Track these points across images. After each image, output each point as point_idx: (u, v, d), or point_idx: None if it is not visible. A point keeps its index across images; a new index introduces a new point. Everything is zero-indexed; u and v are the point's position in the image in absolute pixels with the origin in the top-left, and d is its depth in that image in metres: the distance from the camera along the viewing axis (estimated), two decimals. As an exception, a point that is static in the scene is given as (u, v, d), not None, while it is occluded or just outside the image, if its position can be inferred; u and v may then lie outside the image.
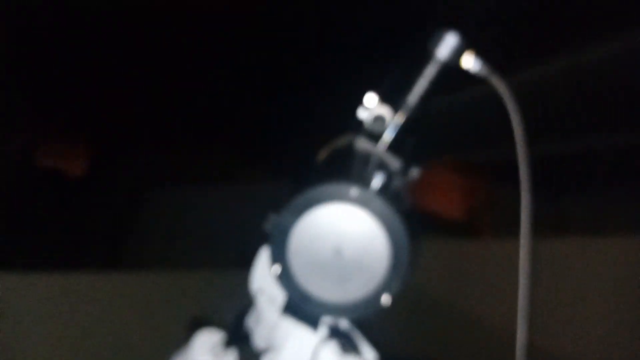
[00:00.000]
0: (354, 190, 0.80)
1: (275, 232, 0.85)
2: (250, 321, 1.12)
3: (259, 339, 1.08)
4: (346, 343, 0.96)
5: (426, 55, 1.08)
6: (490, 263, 4.63)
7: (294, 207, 0.83)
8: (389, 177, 0.85)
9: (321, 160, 1.17)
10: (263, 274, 1.07)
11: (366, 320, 0.91)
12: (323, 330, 0.97)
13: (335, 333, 0.96)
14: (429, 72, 1.09)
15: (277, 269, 0.86)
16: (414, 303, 4.59)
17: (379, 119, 1.04)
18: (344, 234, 0.83)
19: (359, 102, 1.16)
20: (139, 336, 3.52)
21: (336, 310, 0.86)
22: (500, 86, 1.07)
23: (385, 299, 0.83)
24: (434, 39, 1.06)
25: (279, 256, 0.86)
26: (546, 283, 2.94)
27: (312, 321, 0.94)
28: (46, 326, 3.11)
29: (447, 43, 1.06)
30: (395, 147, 1.12)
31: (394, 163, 1.12)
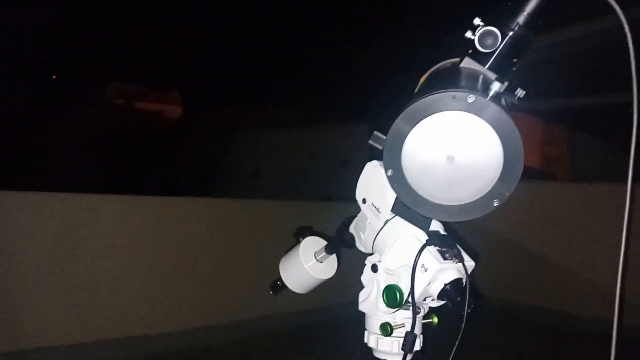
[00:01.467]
0: (471, 97, 0.82)
1: (391, 137, 0.90)
2: (354, 229, 1.21)
3: (363, 244, 1.17)
4: (447, 249, 1.02)
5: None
6: (571, 207, 4.49)
7: (410, 114, 0.87)
8: (504, 86, 0.85)
9: (424, 80, 1.20)
10: (367, 186, 1.15)
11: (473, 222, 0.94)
12: (425, 235, 1.04)
13: (436, 239, 1.02)
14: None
15: (390, 173, 0.91)
16: (493, 245, 4.59)
17: (489, 37, 1.05)
18: (458, 140, 0.85)
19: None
20: (235, 252, 3.80)
21: (447, 213, 0.91)
22: (617, 9, 1.03)
23: (496, 205, 0.86)
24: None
25: (393, 161, 0.90)
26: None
27: (420, 222, 1.00)
28: (150, 241, 3.43)
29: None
30: (501, 68, 1.13)
31: (500, 80, 1.13)
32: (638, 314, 2.98)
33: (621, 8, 1.04)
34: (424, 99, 0.85)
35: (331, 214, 3.97)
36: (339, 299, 3.31)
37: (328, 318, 4.05)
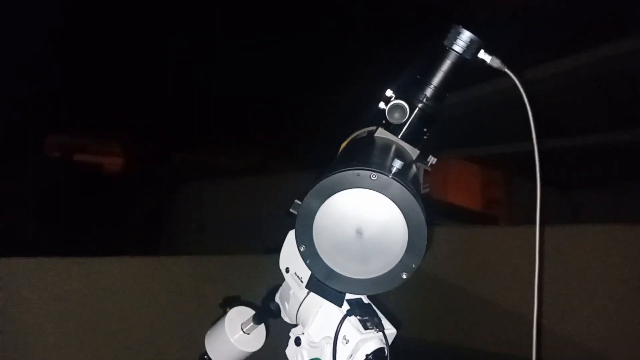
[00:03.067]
0: (374, 176, 0.86)
1: (301, 215, 0.91)
2: (279, 298, 1.20)
3: (287, 315, 1.16)
4: (368, 319, 1.03)
5: (443, 50, 1.14)
6: (504, 250, 4.64)
7: (318, 191, 0.89)
8: (407, 165, 0.90)
9: (342, 150, 1.24)
10: (290, 255, 1.15)
11: (385, 297, 0.96)
12: (346, 306, 1.04)
13: (357, 309, 1.03)
14: (445, 66, 1.15)
15: (303, 249, 0.92)
16: (430, 285, 4.64)
17: (397, 111, 1.11)
18: (365, 216, 0.88)
19: (377, 96, 1.23)
20: (174, 314, 3.65)
21: (358, 287, 0.92)
22: (515, 79, 1.13)
23: (404, 277, 0.89)
24: (451, 34, 1.12)
25: (305, 237, 0.92)
26: (558, 269, 3.00)
27: (336, 297, 1.01)
28: (90, 304, 3.26)
29: (463, 37, 1.11)
30: (412, 137, 1.19)
31: (412, 152, 1.18)
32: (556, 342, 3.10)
33: (516, 74, 1.14)
34: (330, 177, 0.88)
35: (275, 267, 3.91)
36: None
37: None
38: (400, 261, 0.88)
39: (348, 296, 1.03)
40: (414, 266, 0.88)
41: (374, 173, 0.86)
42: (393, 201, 0.86)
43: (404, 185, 0.85)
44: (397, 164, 0.86)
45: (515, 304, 4.33)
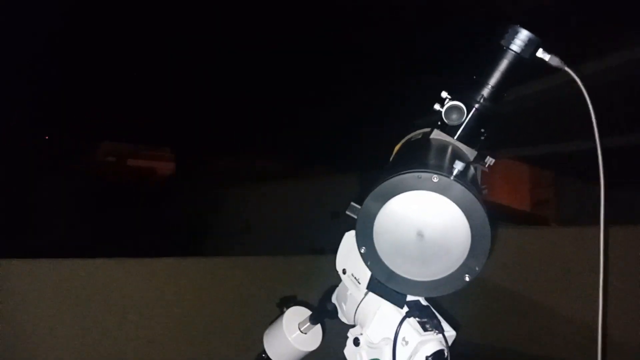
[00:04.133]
0: (435, 178, 0.86)
1: (361, 217, 0.92)
2: (336, 299, 1.22)
3: (345, 315, 1.18)
4: (427, 320, 1.03)
5: (500, 50, 1.12)
6: (556, 251, 4.50)
7: (378, 194, 0.90)
8: (466, 166, 0.89)
9: (397, 152, 1.24)
10: (347, 256, 1.16)
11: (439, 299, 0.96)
12: (405, 307, 1.04)
13: (416, 310, 1.03)
14: (503, 66, 1.13)
15: (363, 250, 0.93)
16: (483, 288, 4.55)
17: (455, 112, 1.10)
18: (426, 218, 0.88)
19: (434, 98, 1.22)
20: (223, 313, 3.73)
21: (420, 289, 0.92)
22: (576, 77, 1.10)
23: (467, 280, 0.88)
24: (508, 34, 1.10)
25: (365, 239, 0.92)
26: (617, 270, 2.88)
27: (397, 299, 1.02)
28: (138, 305, 3.38)
29: (521, 37, 1.09)
30: (469, 138, 1.18)
31: (469, 153, 1.17)
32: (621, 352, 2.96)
33: (576, 72, 1.12)
34: (391, 180, 0.88)
35: (324, 268, 3.93)
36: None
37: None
38: (463, 263, 0.87)
39: (407, 298, 1.03)
40: (477, 269, 0.87)
41: (436, 175, 0.85)
42: (455, 203, 0.86)
43: (466, 187, 0.85)
44: (459, 165, 0.86)
45: (573, 307, 4.20)
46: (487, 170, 1.18)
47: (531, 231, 4.94)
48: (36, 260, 3.03)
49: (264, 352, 1.29)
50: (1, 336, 2.81)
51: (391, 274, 0.92)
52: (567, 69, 1.11)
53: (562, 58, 1.12)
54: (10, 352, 2.82)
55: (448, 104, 1.11)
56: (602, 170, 1.08)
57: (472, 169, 1.11)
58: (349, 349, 1.11)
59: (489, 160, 1.17)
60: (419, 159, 0.97)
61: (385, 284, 0.94)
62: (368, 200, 0.90)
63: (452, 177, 0.85)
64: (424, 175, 0.86)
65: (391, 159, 1.24)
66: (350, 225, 1.22)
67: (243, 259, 4.19)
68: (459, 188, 0.85)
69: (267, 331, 1.31)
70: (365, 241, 0.92)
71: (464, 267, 0.88)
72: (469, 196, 0.85)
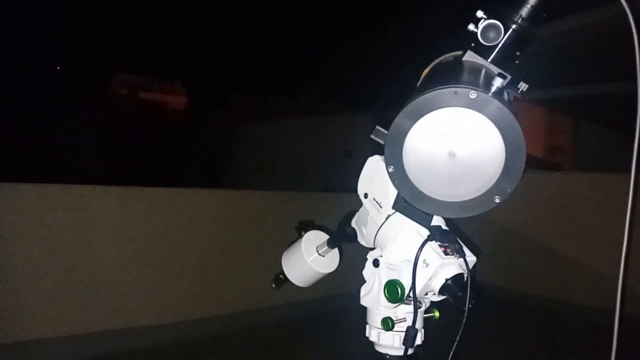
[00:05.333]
0: (473, 94, 0.82)
1: (391, 135, 0.89)
2: (356, 223, 1.21)
3: (364, 239, 1.17)
4: (448, 245, 1.02)
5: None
6: (574, 198, 4.48)
7: (411, 110, 0.86)
8: (505, 83, 0.85)
9: (427, 74, 1.19)
10: (369, 180, 1.15)
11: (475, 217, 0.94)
12: (426, 230, 1.04)
13: (438, 234, 1.02)
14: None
15: (391, 169, 0.91)
16: (495, 232, 4.59)
17: (492, 30, 1.04)
18: (459, 137, 0.85)
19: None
20: (237, 240, 3.83)
21: (447, 209, 0.90)
22: (624, 3, 1.02)
23: (497, 201, 0.86)
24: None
25: (394, 158, 0.90)
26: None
27: (423, 219, 1.00)
28: (155, 231, 3.45)
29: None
30: (503, 61, 1.12)
31: (502, 76, 1.12)
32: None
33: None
34: (425, 95, 0.85)
35: (334, 205, 3.97)
36: (341, 291, 3.32)
37: (331, 309, 4.07)
38: (495, 184, 0.85)
39: (433, 218, 1.01)
40: (508, 190, 0.84)
41: (473, 90, 0.81)
42: (492, 121, 0.82)
43: (504, 105, 0.81)
44: (498, 82, 0.81)
45: (591, 255, 4.24)
46: (519, 96, 1.13)
47: (545, 176, 4.93)
48: (49, 185, 3.07)
49: (282, 272, 1.31)
50: (9, 258, 2.90)
51: (419, 194, 0.90)
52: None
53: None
54: (16, 274, 2.91)
55: (484, 22, 1.05)
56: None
57: (505, 93, 1.06)
58: (368, 270, 1.12)
59: (522, 86, 1.12)
60: (453, 77, 0.92)
61: (411, 204, 0.92)
62: (400, 117, 0.87)
63: (490, 94, 0.81)
64: (460, 90, 0.82)
65: (419, 83, 1.20)
66: (362, 160, 1.20)
67: (256, 192, 4.24)
68: (497, 105, 0.81)
69: (285, 253, 1.32)
70: (394, 160, 0.90)
71: (495, 188, 0.85)
72: (506, 114, 0.81)
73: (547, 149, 8.13)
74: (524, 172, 0.85)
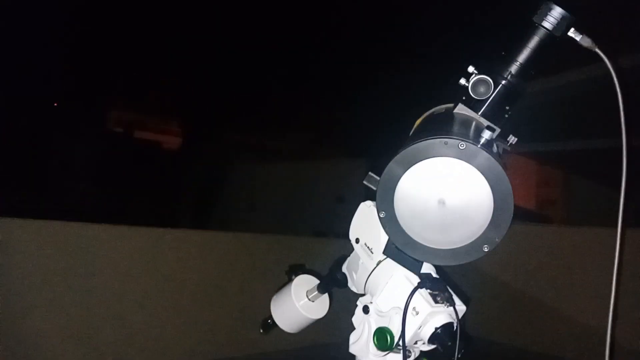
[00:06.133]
0: (462, 145, 0.84)
1: (383, 181, 0.91)
2: (347, 268, 1.21)
3: (355, 285, 1.17)
4: (438, 293, 1.03)
5: (532, 26, 1.10)
6: (565, 251, 4.49)
7: (403, 158, 0.89)
8: (492, 136, 0.88)
9: (419, 124, 1.23)
10: (360, 226, 1.16)
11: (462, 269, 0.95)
12: (416, 278, 1.04)
13: (428, 282, 1.03)
14: (533, 42, 1.12)
15: (382, 215, 0.92)
16: (488, 283, 4.54)
17: (482, 85, 1.09)
18: (449, 186, 0.87)
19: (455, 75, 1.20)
20: (225, 283, 3.77)
21: (437, 257, 0.92)
22: (606, 61, 1.08)
23: (486, 250, 0.87)
24: (541, 10, 1.08)
25: (386, 204, 0.92)
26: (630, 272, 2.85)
27: (412, 265, 1.01)
28: (140, 271, 3.41)
29: (554, 14, 1.07)
30: (493, 115, 1.16)
31: (491, 129, 1.15)
32: (629, 357, 2.95)
33: (609, 58, 1.09)
34: (417, 144, 0.87)
35: (326, 251, 3.94)
36: (330, 339, 3.26)
37: (319, 358, 3.97)
38: (484, 234, 0.86)
39: (422, 266, 1.02)
40: (497, 240, 0.86)
41: (463, 142, 0.84)
42: (480, 172, 0.85)
43: (492, 156, 0.84)
44: (486, 134, 0.85)
45: (577, 307, 4.21)
46: (508, 149, 1.17)
47: (537, 229, 4.94)
48: (44, 221, 3.06)
49: (270, 317, 1.29)
50: (6, 292, 2.85)
51: (409, 241, 0.92)
52: (597, 50, 1.09)
53: (594, 41, 1.10)
54: (13, 308, 2.85)
55: (475, 77, 1.10)
56: (626, 169, 1.05)
57: (495, 146, 1.09)
58: (357, 317, 1.11)
59: (512, 139, 1.16)
60: (444, 128, 0.96)
61: (402, 250, 0.93)
62: (392, 164, 0.89)
63: (479, 145, 0.84)
64: (450, 141, 0.85)
65: (412, 132, 1.23)
66: (354, 206, 1.22)
67: (247, 235, 4.22)
68: (485, 156, 0.84)
69: (274, 297, 1.31)
70: (386, 206, 0.91)
71: (484, 238, 0.87)
72: (494, 165, 0.84)
73: (538, 202, 8.20)
74: (513, 222, 0.86)
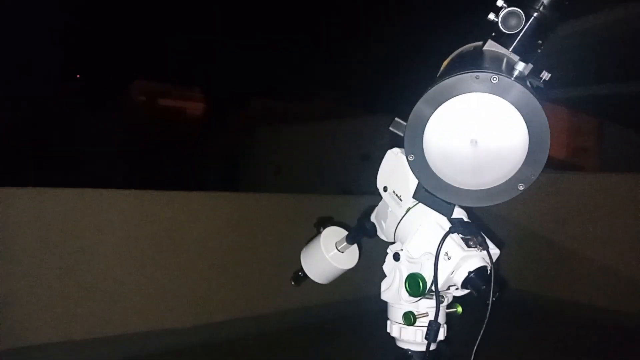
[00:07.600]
0: (495, 78, 0.80)
1: (411, 123, 0.87)
2: (375, 217, 1.19)
3: (384, 233, 1.16)
4: (471, 237, 1.00)
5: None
6: (598, 198, 4.39)
7: (432, 97, 0.84)
8: (522, 77, 0.82)
9: (447, 64, 1.17)
10: (388, 174, 1.13)
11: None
12: (447, 223, 1.01)
13: (459, 226, 1.00)
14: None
15: (411, 158, 0.89)
16: (517, 236, 4.51)
17: (514, 18, 1.02)
18: (481, 123, 0.83)
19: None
20: (252, 242, 3.83)
21: (470, 198, 0.88)
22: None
23: (521, 189, 0.83)
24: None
25: (414, 147, 0.88)
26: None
27: (444, 208, 0.98)
28: (173, 235, 3.47)
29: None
30: (525, 50, 1.10)
31: (522, 65, 1.09)
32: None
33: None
34: (445, 81, 0.83)
35: (352, 207, 3.95)
36: (361, 290, 3.29)
37: (350, 310, 4.04)
38: (518, 171, 0.82)
39: (454, 209, 0.99)
40: (532, 177, 0.82)
41: (495, 75, 0.79)
42: (514, 106, 0.80)
43: (528, 89, 0.79)
44: (520, 66, 0.79)
45: (612, 257, 4.15)
46: (541, 85, 1.11)
47: (567, 176, 4.83)
48: (55, 189, 3.10)
49: (301, 269, 1.29)
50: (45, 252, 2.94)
51: (440, 183, 0.88)
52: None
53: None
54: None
55: (505, 10, 1.03)
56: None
57: (527, 82, 1.04)
58: (388, 265, 1.10)
59: (545, 75, 1.09)
60: (474, 64, 0.90)
61: (433, 193, 0.90)
62: (420, 104, 0.85)
63: (512, 78, 0.79)
64: (482, 75, 0.80)
65: (439, 73, 1.18)
66: (380, 163, 1.18)
67: (274, 195, 4.24)
68: (519, 89, 0.79)
69: (304, 249, 1.31)
70: (415, 149, 0.88)
71: (519, 176, 0.83)
72: (530, 99, 0.79)
73: (570, 150, 7.97)
74: (544, 170, 0.82)
